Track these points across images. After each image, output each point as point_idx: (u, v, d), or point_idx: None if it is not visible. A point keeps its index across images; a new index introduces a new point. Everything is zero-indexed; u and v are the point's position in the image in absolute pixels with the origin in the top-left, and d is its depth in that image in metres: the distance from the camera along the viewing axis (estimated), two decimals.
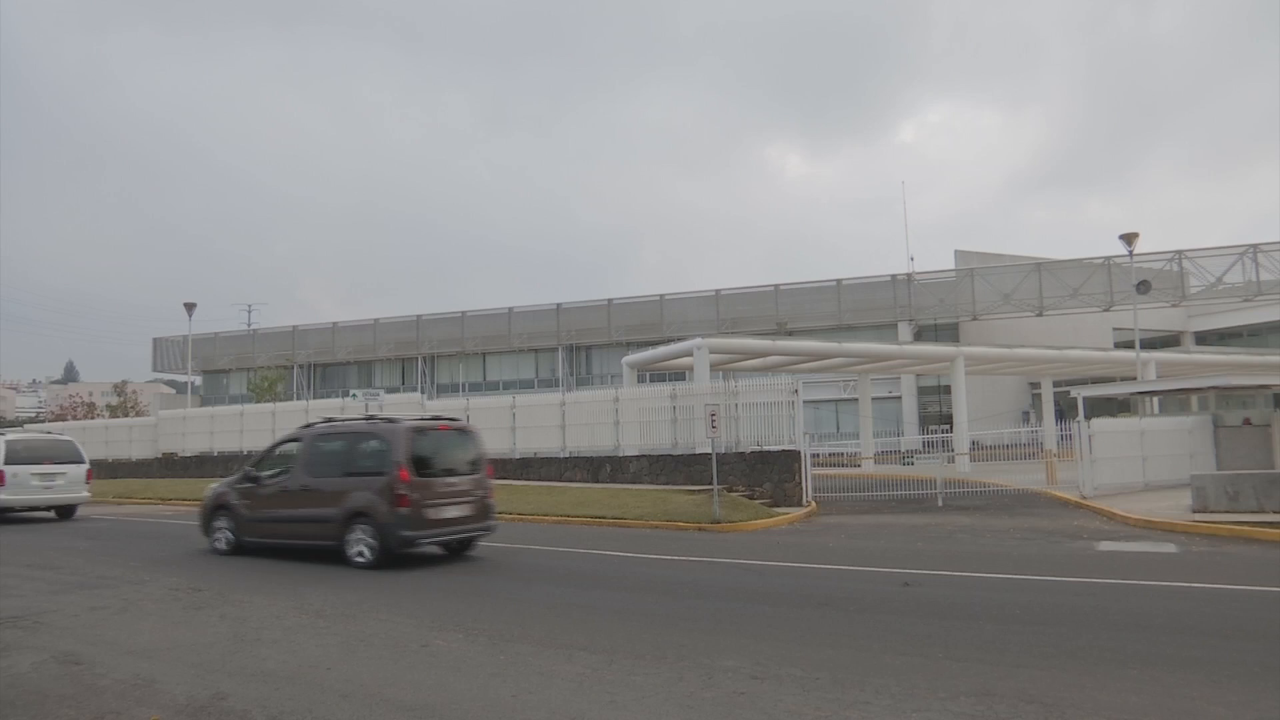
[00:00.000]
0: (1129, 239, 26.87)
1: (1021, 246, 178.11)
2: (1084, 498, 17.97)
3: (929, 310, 41.98)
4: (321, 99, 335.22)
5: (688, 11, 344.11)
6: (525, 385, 48.50)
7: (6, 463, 17.67)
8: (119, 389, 65.98)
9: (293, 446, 12.46)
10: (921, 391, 41.75)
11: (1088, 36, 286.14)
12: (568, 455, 22.64)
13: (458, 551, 12.22)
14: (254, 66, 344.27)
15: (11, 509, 18.00)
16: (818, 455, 25.12)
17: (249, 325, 64.10)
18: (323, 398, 41.23)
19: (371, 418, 13.25)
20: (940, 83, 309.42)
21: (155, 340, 59.02)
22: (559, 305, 48.67)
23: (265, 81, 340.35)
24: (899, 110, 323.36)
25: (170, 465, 31.67)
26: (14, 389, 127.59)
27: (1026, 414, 42.11)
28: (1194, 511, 14.66)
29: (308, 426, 12.75)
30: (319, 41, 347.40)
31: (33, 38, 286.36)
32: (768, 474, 19.00)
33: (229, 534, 12.55)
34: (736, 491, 18.74)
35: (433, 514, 11.17)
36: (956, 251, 44.85)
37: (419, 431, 11.63)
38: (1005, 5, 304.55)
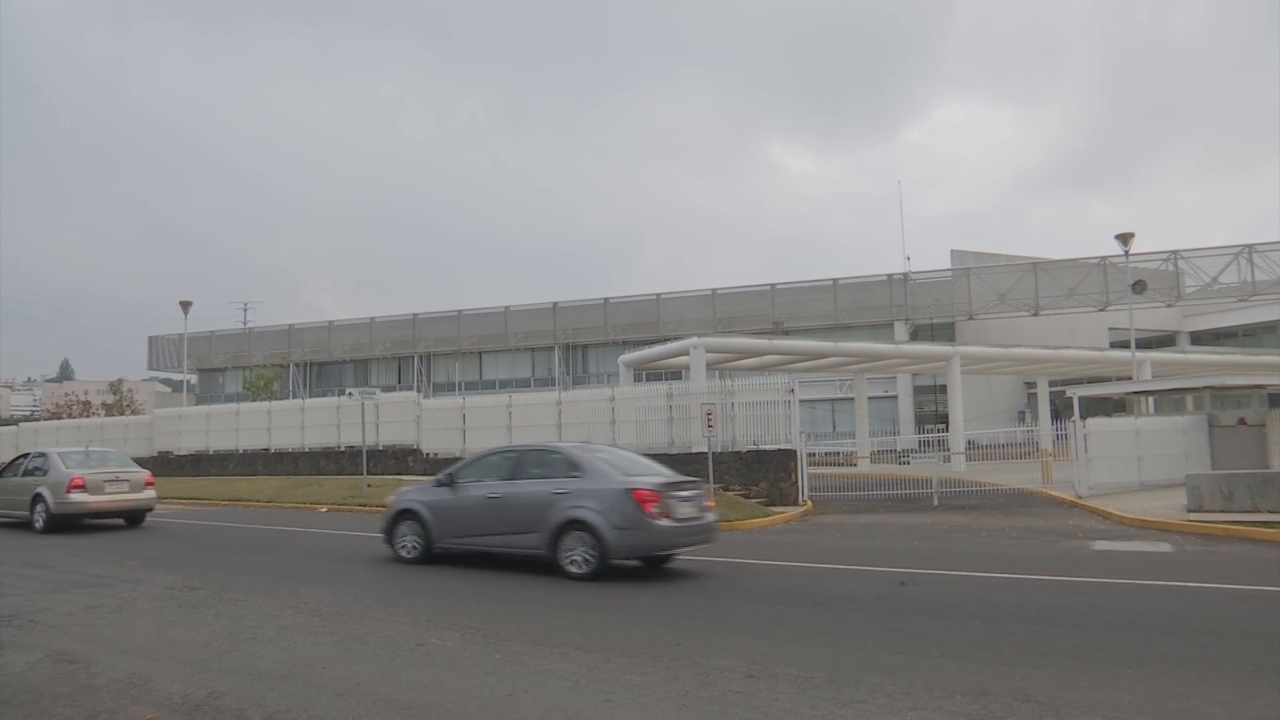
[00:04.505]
0: (1125, 239, 26.96)
1: (1025, 246, 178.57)
2: (1079, 497, 18.00)
3: (925, 310, 42.05)
4: (338, 97, 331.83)
5: (714, 9, 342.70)
6: (522, 384, 48.49)
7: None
8: (114, 387, 65.88)
9: None
10: (917, 391, 41.82)
11: (1108, 36, 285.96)
12: None
13: None
14: (269, 63, 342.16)
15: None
16: (814, 454, 25.12)
17: (245, 323, 64.02)
18: (318, 396, 41.19)
19: None
20: (956, 81, 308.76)
21: (151, 338, 58.90)
22: (555, 304, 48.67)
23: (280, 79, 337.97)
24: (911, 109, 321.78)
25: (166, 464, 31.59)
26: (9, 387, 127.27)
27: (1022, 413, 42.20)
28: (1189, 511, 14.70)
29: None
30: (341, 38, 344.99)
31: (49, 35, 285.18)
32: (764, 473, 19.02)
33: None
34: (733, 491, 18.76)
35: None
36: (953, 251, 44.99)
37: None
38: (1026, 4, 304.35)
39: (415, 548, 11.27)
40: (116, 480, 16.63)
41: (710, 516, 10.80)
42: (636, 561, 10.70)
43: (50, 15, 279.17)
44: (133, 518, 17.24)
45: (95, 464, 16.90)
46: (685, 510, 10.19)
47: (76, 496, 15.93)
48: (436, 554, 11.20)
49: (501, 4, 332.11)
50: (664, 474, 10.79)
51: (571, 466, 10.52)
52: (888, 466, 29.14)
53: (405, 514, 11.47)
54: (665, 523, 9.83)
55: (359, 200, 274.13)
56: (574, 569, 9.88)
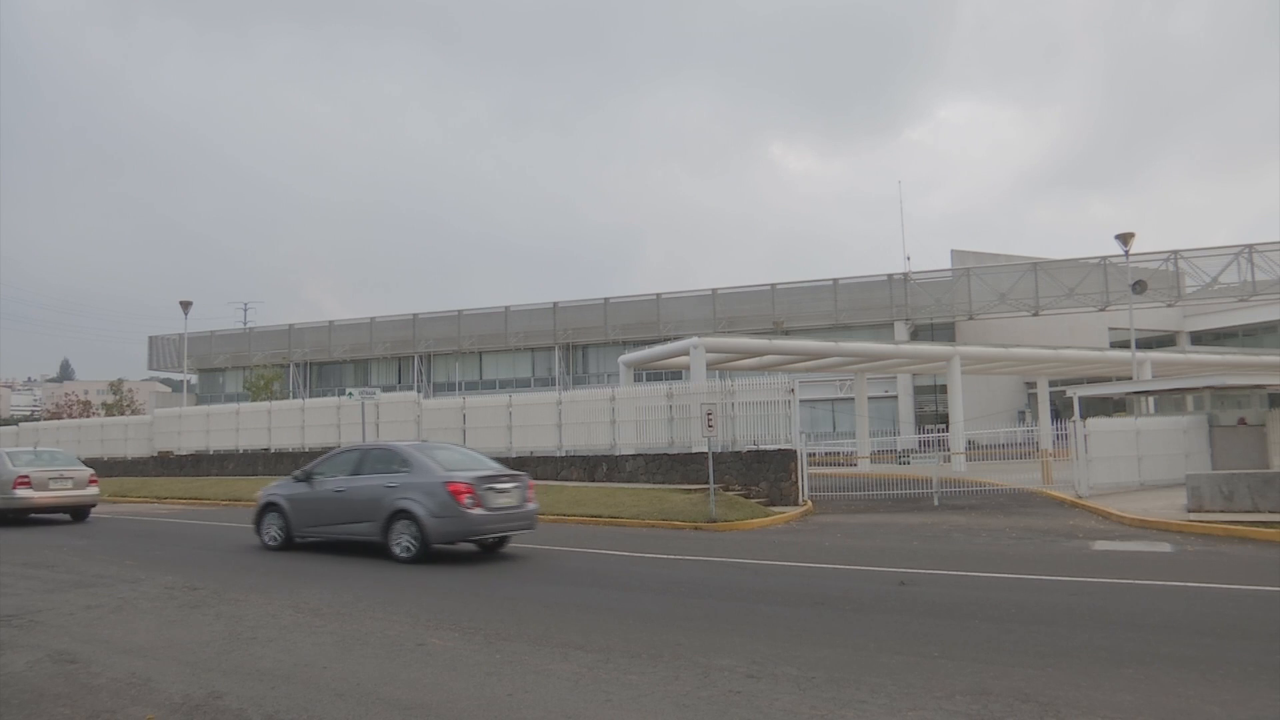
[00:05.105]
0: (1125, 239, 26.94)
1: (1026, 246, 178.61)
2: (1079, 497, 18.00)
3: (925, 310, 42.06)
4: (340, 97, 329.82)
5: (717, 10, 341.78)
6: (522, 384, 48.51)
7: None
8: (115, 387, 65.82)
9: None
10: (918, 391, 41.83)
11: (1110, 37, 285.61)
12: (564, 454, 22.63)
13: None
14: (272, 63, 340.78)
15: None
16: (814, 454, 25.13)
17: (245, 323, 64.03)
18: (319, 396, 41.19)
19: None
20: (959, 81, 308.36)
21: (151, 338, 58.95)
22: (555, 304, 48.67)
23: (283, 79, 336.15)
24: (914, 109, 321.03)
25: (166, 464, 31.62)
26: (9, 387, 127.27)
27: (1022, 413, 42.24)
28: (1189, 511, 14.70)
29: None
30: (344, 38, 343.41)
31: (51, 34, 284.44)
32: (764, 473, 19.01)
33: None
34: (733, 491, 18.75)
35: None
36: (953, 251, 45.01)
37: None
38: (1029, 4, 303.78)
39: (277, 537, 12.66)
40: (61, 478, 18.11)
41: (531, 506, 12.10)
42: (473, 546, 12.07)
43: (53, 15, 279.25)
44: (77, 513, 18.55)
45: (43, 463, 18.42)
46: (501, 500, 11.46)
47: (22, 492, 17.48)
48: (297, 543, 12.59)
49: (506, 4, 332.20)
50: (488, 469, 11.97)
51: (403, 463, 11.80)
52: (888, 466, 29.12)
53: (270, 507, 12.85)
54: (478, 511, 11.08)
55: (360, 200, 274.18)
56: (401, 554, 11.17)
